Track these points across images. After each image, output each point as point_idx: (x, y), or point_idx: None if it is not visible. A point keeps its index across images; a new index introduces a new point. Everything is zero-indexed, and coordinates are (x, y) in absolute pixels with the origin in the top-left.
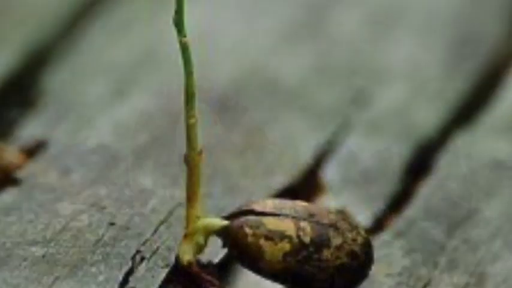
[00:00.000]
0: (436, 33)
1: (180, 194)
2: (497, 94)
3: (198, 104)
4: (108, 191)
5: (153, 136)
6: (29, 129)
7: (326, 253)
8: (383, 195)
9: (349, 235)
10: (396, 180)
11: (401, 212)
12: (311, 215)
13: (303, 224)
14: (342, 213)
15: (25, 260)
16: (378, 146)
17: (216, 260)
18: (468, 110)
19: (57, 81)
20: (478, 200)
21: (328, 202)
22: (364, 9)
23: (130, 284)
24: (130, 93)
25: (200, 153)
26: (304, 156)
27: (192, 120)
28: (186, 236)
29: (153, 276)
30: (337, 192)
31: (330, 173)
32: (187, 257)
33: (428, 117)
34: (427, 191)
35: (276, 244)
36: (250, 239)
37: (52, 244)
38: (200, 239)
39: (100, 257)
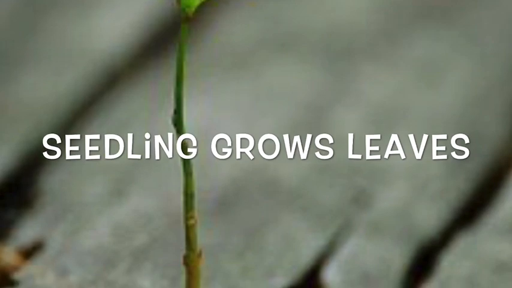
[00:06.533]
0: (439, 133)
1: None
2: (500, 195)
3: (197, 205)
4: None
5: (152, 237)
6: (27, 230)
7: None
8: None
9: None
10: (398, 282)
11: None
12: None
13: None
14: None
15: None
16: (379, 247)
17: None
18: (470, 210)
19: (55, 181)
20: None
21: None
22: (365, 108)
23: None
24: (129, 194)
25: (199, 254)
26: (305, 257)
27: (192, 221)
28: None
29: None
30: None
31: (330, 274)
32: None
33: (430, 218)
34: None
35: None
36: None
37: None
38: None
39: None
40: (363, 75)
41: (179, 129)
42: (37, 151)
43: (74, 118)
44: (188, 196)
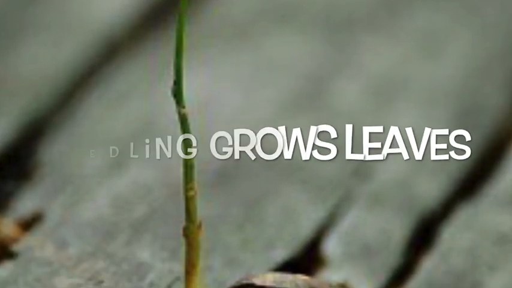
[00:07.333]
0: (439, 105)
1: (179, 267)
2: (501, 166)
3: (197, 176)
4: (106, 265)
5: (152, 208)
6: (26, 202)
7: None
8: (385, 268)
9: None
10: (398, 254)
11: (404, 286)
12: None
13: None
14: (343, 287)
15: None
16: (380, 219)
17: None
18: (471, 182)
19: (54, 152)
20: (481, 273)
21: (330, 276)
22: (366, 80)
23: None
24: (128, 165)
25: (199, 226)
26: (305, 229)
27: (191, 193)
28: None
29: None
30: (339, 265)
31: (331, 246)
32: None
33: (430, 190)
34: (429, 265)
35: None
36: None
37: None
38: None
39: None
40: (363, 46)
41: (179, 101)
42: (36, 122)
43: (73, 90)
44: (188, 167)
